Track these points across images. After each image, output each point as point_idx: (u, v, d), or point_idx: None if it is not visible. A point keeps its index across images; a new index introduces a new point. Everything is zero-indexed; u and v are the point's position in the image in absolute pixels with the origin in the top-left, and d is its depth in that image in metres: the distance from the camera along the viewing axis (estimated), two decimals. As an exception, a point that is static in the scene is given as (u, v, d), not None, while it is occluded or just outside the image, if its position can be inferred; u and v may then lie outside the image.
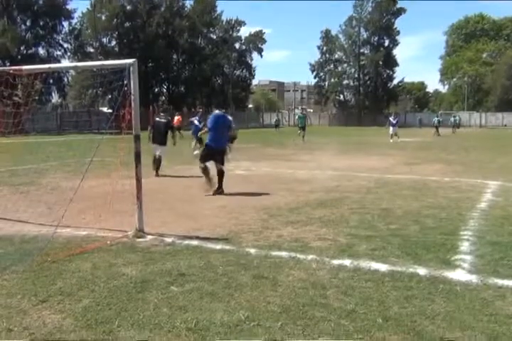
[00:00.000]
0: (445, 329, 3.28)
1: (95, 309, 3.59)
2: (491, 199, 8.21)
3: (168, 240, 5.48)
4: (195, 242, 5.41)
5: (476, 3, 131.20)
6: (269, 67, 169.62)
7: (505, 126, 59.09)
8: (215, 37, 66.27)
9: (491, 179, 10.68)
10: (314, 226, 6.20)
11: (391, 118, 28.20)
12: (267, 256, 4.86)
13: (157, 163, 11.43)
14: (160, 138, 11.63)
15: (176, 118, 24.21)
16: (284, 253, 4.95)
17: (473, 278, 4.22)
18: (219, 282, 4.15)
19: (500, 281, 4.14)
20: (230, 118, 9.16)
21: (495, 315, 3.49)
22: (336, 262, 4.68)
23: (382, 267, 4.52)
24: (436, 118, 37.50)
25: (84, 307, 3.61)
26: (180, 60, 62.41)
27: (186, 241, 5.43)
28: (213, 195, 8.60)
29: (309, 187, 9.48)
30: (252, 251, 5.06)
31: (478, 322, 3.39)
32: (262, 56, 73.76)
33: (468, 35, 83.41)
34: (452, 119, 42.43)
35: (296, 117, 33.30)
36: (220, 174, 8.85)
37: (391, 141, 26.23)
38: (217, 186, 8.78)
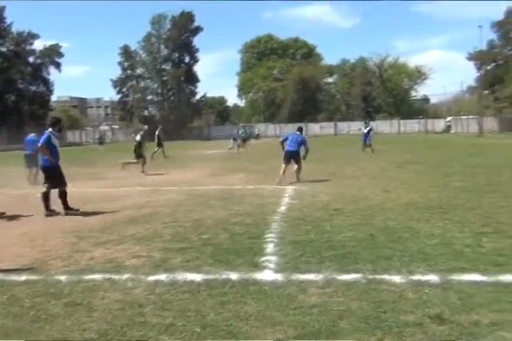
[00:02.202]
0: (258, 327, 3.49)
1: None
2: (289, 203, 8.97)
3: (-38, 277, 4.85)
4: (-6, 276, 4.87)
5: (266, 23, 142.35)
6: (69, 83, 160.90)
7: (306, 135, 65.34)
8: (5, 49, 60.74)
9: (288, 184, 11.66)
10: (127, 244, 6.07)
11: (362, 128, 25.62)
12: (80, 281, 4.60)
13: None
14: None
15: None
16: (97, 276, 4.75)
17: (279, 277, 4.56)
18: (26, 316, 3.80)
19: (301, 276, 4.55)
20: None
21: (299, 307, 3.83)
22: (151, 278, 4.65)
23: (198, 277, 4.62)
24: (241, 131, 39.56)
25: None
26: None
27: (-16, 277, 4.86)
28: (65, 215, 8.37)
29: (119, 205, 9.24)
30: (63, 277, 4.74)
31: (286, 316, 3.68)
32: (60, 70, 69.66)
33: (260, 54, 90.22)
34: (255, 131, 45.27)
35: (241, 131, 31.66)
36: (60, 195, 8.56)
37: (365, 151, 23.77)
38: (64, 207, 8.52)
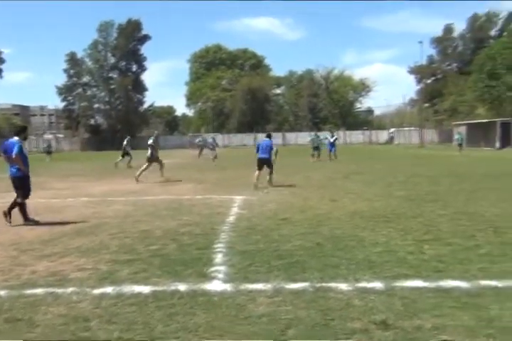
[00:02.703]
0: (206, 339, 3.46)
1: None
2: (238, 212, 8.97)
3: None
4: None
5: (214, 33, 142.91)
6: (11, 90, 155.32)
7: (245, 145, 65.45)
8: None
9: (237, 194, 11.69)
10: (73, 256, 5.88)
11: (328, 137, 26.22)
12: (21, 296, 4.41)
13: None
14: None
15: None
16: (40, 290, 4.57)
17: (228, 287, 4.55)
18: (-38, 334, 3.61)
19: (250, 286, 4.55)
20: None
21: (248, 317, 3.82)
22: (97, 291, 4.52)
23: (145, 289, 4.54)
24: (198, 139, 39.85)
25: None
26: None
27: None
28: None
29: (65, 216, 8.95)
30: (2, 293, 4.53)
31: (235, 326, 3.66)
32: (1, 77, 67.15)
33: (209, 64, 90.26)
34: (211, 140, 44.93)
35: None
36: (16, 206, 8.35)
37: (332, 160, 25.06)
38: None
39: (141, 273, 5.08)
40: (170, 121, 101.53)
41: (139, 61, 70.38)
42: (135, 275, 4.98)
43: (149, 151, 16.18)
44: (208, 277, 4.88)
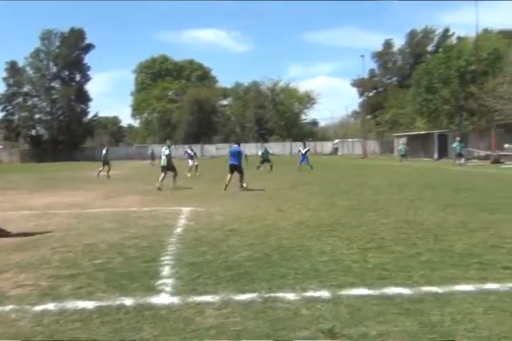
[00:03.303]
0: (154, 354, 3.39)
1: None
2: (186, 224, 8.88)
3: None
4: None
5: (161, 43, 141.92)
6: None
7: (200, 156, 65.22)
8: None
9: (185, 205, 11.58)
10: (11, 273, 5.61)
11: (301, 149, 27.19)
12: (-45, 316, 4.17)
13: None
14: None
15: None
16: (-24, 309, 4.33)
17: (175, 300, 4.48)
18: None
19: (198, 298, 4.50)
20: None
21: (197, 330, 3.77)
22: (38, 308, 4.33)
23: (90, 304, 4.39)
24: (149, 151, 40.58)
25: None
26: None
27: None
28: None
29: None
30: None
31: (183, 340, 3.61)
32: None
33: (155, 74, 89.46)
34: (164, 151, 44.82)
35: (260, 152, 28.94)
36: None
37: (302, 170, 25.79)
38: None
39: (85, 288, 4.92)
40: (115, 132, 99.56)
41: (83, 70, 68.82)
42: (78, 291, 4.82)
43: (165, 160, 17.09)
44: (155, 290, 4.79)
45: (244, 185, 15.59)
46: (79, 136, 67.59)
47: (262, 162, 26.52)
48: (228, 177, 15.50)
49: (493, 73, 40.28)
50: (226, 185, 15.27)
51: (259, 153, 26.68)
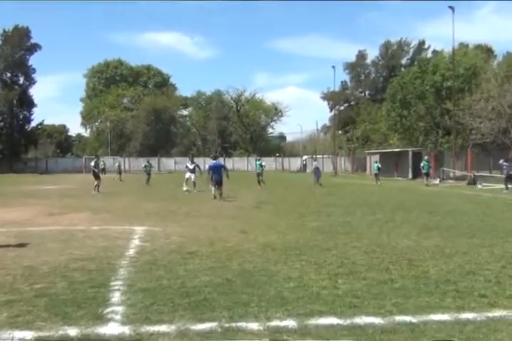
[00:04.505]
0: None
1: None
2: (139, 245, 8.77)
3: None
4: None
5: (115, 46, 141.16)
6: None
7: (157, 171, 64.49)
8: None
9: (138, 225, 11.45)
10: None
11: (314, 163, 29.89)
12: None
13: None
14: None
15: None
16: None
17: (126, 330, 4.39)
18: None
19: (152, 328, 4.42)
20: None
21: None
22: (-31, 339, 4.18)
23: (28, 334, 4.27)
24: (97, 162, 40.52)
25: None
26: None
27: None
28: None
29: None
30: None
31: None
32: None
33: (109, 80, 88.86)
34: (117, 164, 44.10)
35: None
36: None
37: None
38: None
39: (23, 316, 4.77)
40: (62, 142, 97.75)
41: (27, 73, 67.74)
42: (16, 319, 4.67)
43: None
44: (103, 319, 4.68)
45: (222, 195, 18.37)
46: (21, 145, 66.14)
47: (258, 176, 27.23)
48: (213, 190, 18.47)
49: (470, 90, 41.65)
50: (215, 195, 18.31)
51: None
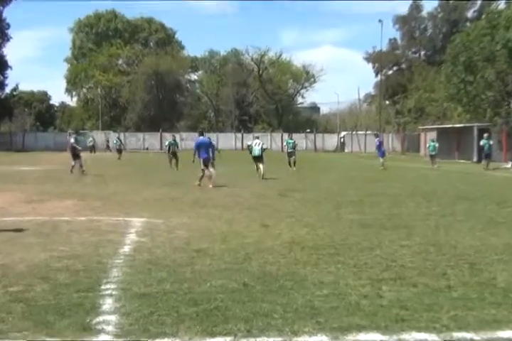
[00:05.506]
0: None
1: None
2: (136, 241, 8.86)
3: None
4: None
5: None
6: None
7: (147, 149, 64.71)
8: None
9: (135, 216, 11.57)
10: None
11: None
12: None
13: None
14: None
15: None
16: None
17: (120, 344, 4.46)
18: None
19: (151, 342, 4.49)
20: None
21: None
22: None
23: (1, 348, 4.36)
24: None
25: None
26: None
27: None
28: None
29: None
30: None
31: None
32: None
33: (100, 36, 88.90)
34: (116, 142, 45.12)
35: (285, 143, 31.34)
36: None
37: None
38: None
39: (-5, 325, 4.88)
40: (43, 113, 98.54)
41: (0, 28, 68.07)
42: (-13, 329, 4.78)
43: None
44: (92, 330, 4.75)
45: (211, 186, 17.99)
46: (-8, 116, 66.92)
47: (290, 156, 28.25)
48: (203, 171, 18.52)
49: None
50: (201, 179, 18.48)
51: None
